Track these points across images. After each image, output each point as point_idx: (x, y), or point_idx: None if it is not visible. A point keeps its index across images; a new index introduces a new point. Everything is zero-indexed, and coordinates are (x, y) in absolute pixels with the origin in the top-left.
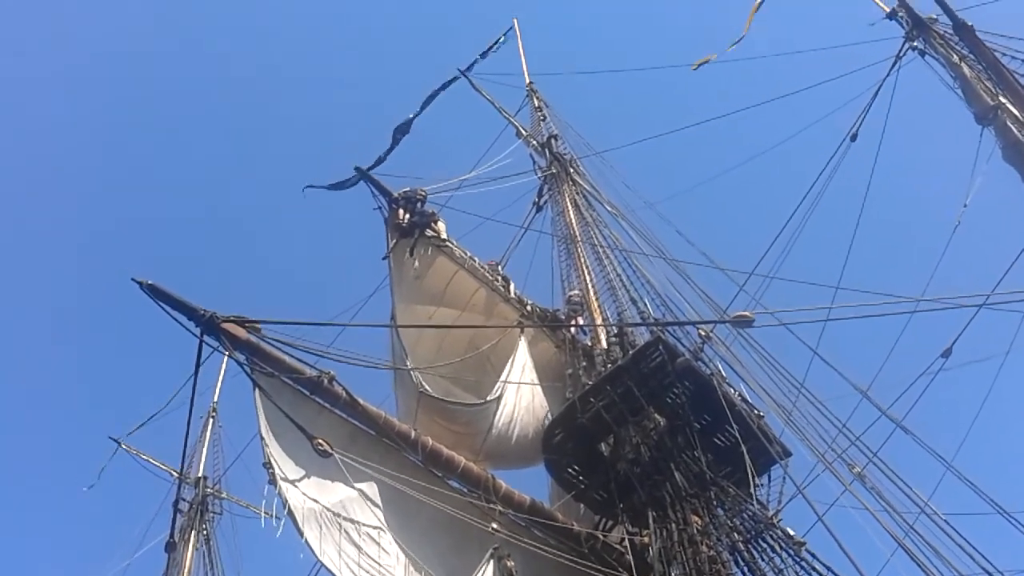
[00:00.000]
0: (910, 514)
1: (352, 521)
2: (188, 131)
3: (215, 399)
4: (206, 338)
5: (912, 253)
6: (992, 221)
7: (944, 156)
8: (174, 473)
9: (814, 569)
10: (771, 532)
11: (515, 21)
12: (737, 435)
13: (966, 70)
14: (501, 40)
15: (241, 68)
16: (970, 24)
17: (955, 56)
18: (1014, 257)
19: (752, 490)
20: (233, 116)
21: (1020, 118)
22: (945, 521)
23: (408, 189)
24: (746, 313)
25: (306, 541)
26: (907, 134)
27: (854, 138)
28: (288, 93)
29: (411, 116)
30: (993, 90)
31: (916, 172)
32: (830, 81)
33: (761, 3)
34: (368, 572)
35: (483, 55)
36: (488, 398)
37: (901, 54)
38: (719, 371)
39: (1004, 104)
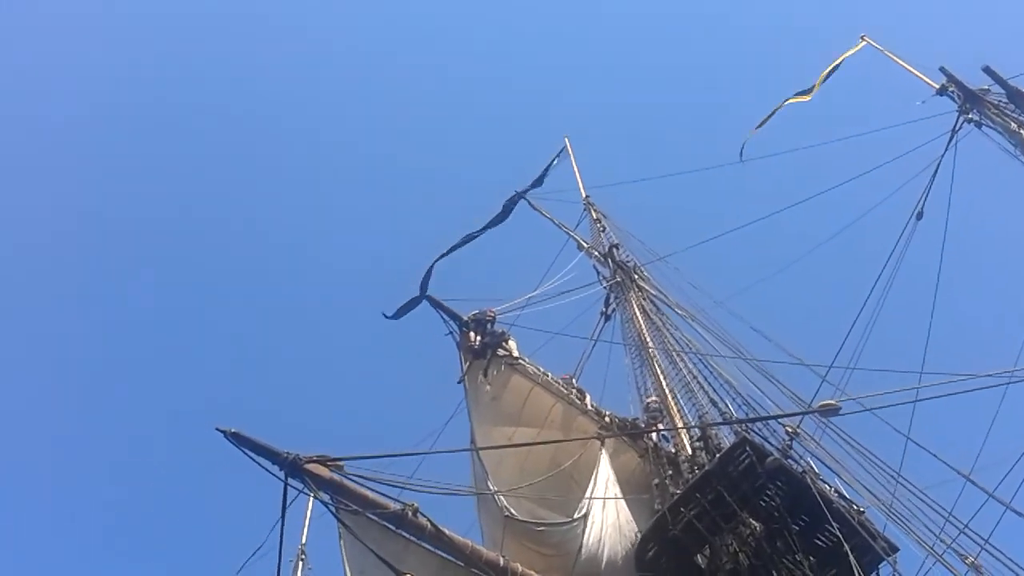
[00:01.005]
0: None
1: None
2: (247, 282)
3: (303, 541)
4: (290, 480)
5: (998, 325)
6: None
7: (1015, 222)
8: None
9: None
10: None
11: (566, 139)
12: (839, 533)
13: None
14: (555, 161)
15: (301, 199)
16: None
17: (1013, 124)
18: None
19: None
20: (295, 260)
21: None
22: None
23: (477, 311)
24: (832, 401)
25: None
26: (972, 208)
27: (920, 216)
28: (347, 222)
29: (474, 233)
30: None
31: (987, 246)
32: (890, 162)
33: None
34: None
35: (540, 178)
36: (575, 516)
37: (957, 128)
38: (812, 468)
39: None
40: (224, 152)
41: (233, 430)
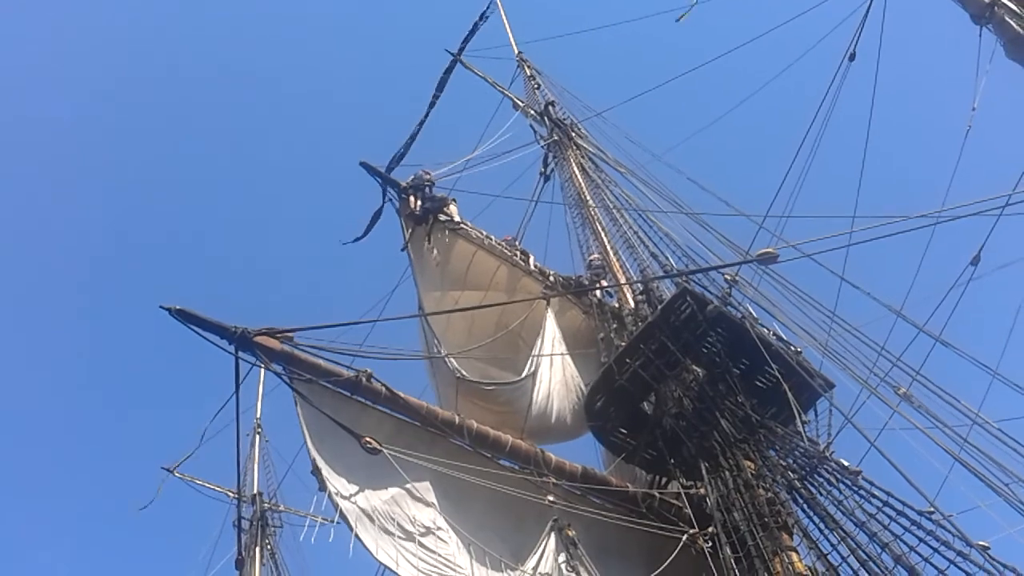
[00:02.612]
0: (962, 427)
1: (407, 515)
2: (188, 143)
3: (258, 415)
4: (241, 354)
5: (926, 167)
6: (1004, 121)
7: (946, 63)
8: (230, 494)
9: (873, 495)
10: (825, 466)
11: None
12: (778, 374)
13: None
14: (485, 15)
15: (237, 70)
16: None
17: None
18: None
19: (800, 427)
20: (233, 121)
21: (1018, 12)
22: (999, 429)
23: (414, 176)
24: (770, 250)
25: (362, 542)
26: (906, 47)
27: (852, 58)
28: (283, 93)
29: (426, 111)
30: None
31: (920, 84)
32: (819, 6)
33: None
34: (428, 563)
35: (470, 34)
36: (524, 374)
37: None
38: (750, 313)
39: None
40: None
41: (178, 307)
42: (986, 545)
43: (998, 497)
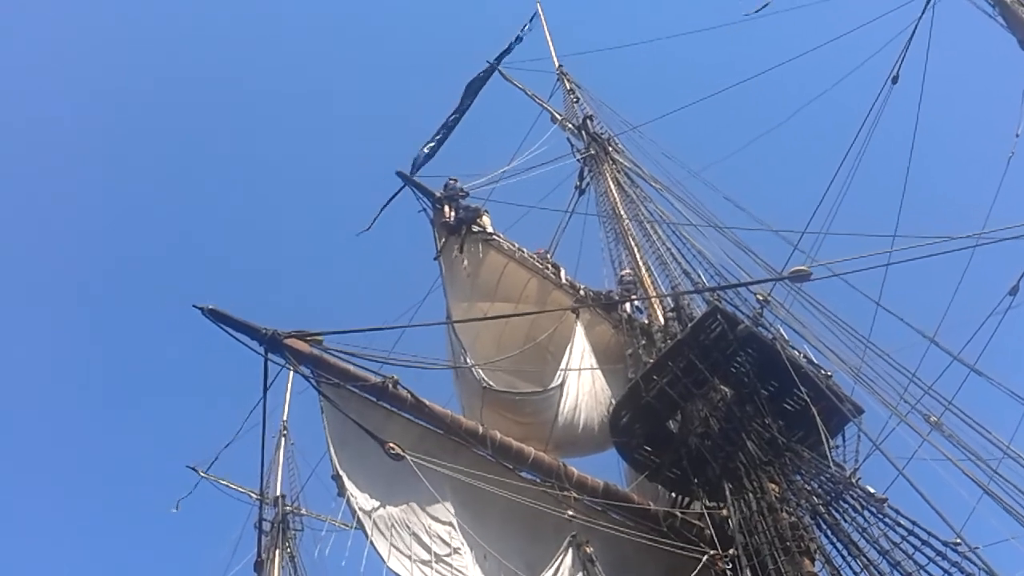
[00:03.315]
0: (992, 459)
1: (423, 524)
2: (226, 153)
3: (285, 417)
4: (271, 356)
5: (967, 192)
6: None
7: (990, 88)
8: (253, 495)
9: (899, 524)
10: (851, 492)
11: (538, 5)
12: (806, 397)
13: None
14: (527, 27)
15: (267, 80)
16: None
17: None
18: None
19: (827, 451)
20: (269, 123)
21: None
22: None
23: (448, 186)
24: (802, 268)
25: (375, 549)
26: (950, 71)
27: (895, 80)
28: (318, 105)
29: (452, 115)
30: None
31: (963, 108)
32: (864, 26)
33: None
34: (439, 572)
35: (511, 45)
36: (551, 386)
37: None
38: (781, 335)
39: None
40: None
41: (211, 307)
42: None
43: None
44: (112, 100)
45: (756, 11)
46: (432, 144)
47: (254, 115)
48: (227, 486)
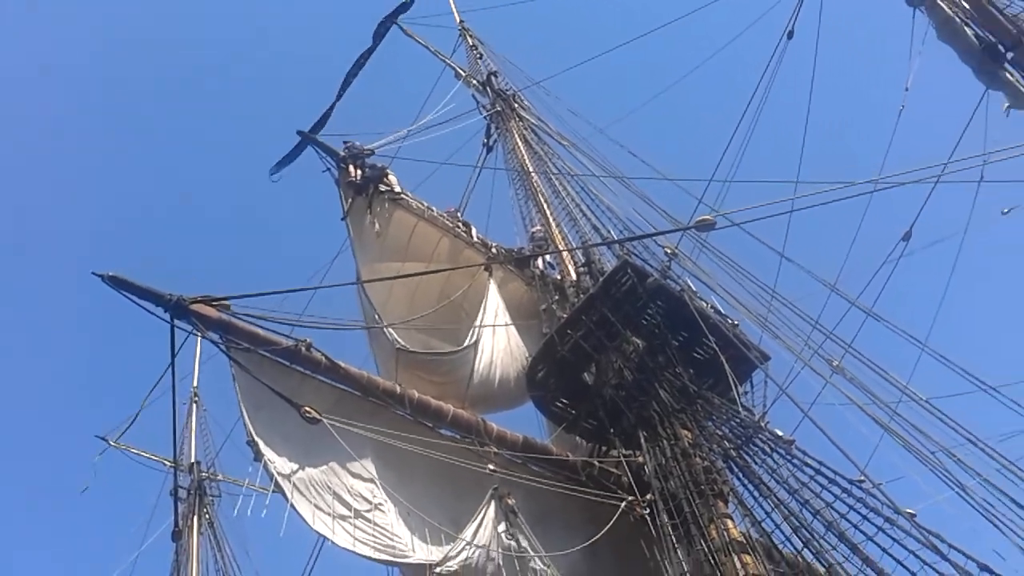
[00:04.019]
0: (892, 400)
1: (345, 484)
2: (125, 116)
3: (194, 384)
4: (177, 322)
5: (862, 144)
6: (935, 100)
7: (881, 44)
8: (167, 463)
9: (806, 464)
10: (760, 435)
11: None
12: (715, 346)
13: None
14: None
15: (165, 43)
16: None
17: None
18: (960, 133)
19: (736, 397)
20: (166, 82)
21: None
22: (927, 402)
23: (351, 144)
24: (707, 217)
25: (297, 512)
26: (842, 27)
27: (791, 35)
28: (219, 67)
29: (352, 71)
30: None
31: (856, 64)
32: None
33: None
34: (365, 532)
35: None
36: (465, 344)
37: None
38: (689, 286)
39: None
40: None
41: (111, 273)
42: (913, 512)
43: (925, 467)
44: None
45: None
46: (333, 103)
47: (156, 75)
48: (139, 454)
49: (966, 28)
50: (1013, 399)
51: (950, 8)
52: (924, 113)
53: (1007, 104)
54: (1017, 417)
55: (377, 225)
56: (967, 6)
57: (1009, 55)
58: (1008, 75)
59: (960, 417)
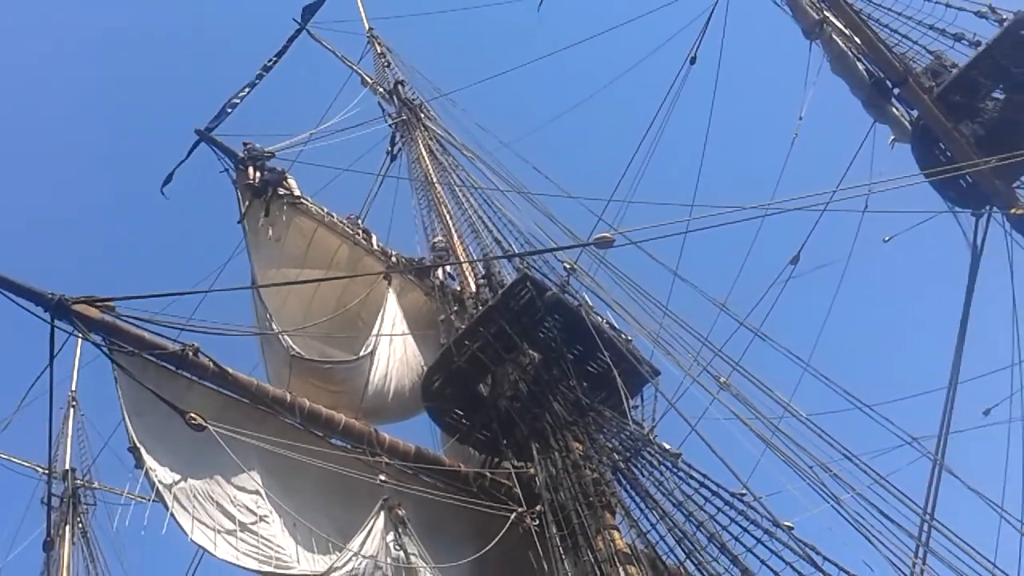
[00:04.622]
0: (775, 417)
1: (228, 495)
2: (14, 106)
3: (73, 388)
4: (58, 322)
5: (757, 169)
6: (826, 132)
7: (779, 73)
8: (40, 469)
9: (691, 477)
10: (648, 449)
11: None
12: (608, 360)
13: None
14: None
15: (67, 31)
16: None
17: None
18: (848, 163)
19: (627, 411)
20: (62, 86)
21: (844, 31)
22: (807, 419)
23: (250, 145)
24: (606, 235)
25: (177, 522)
26: (743, 56)
27: (693, 61)
28: (118, 57)
29: (258, 74)
30: (817, 4)
31: (755, 92)
32: (667, 6)
33: None
34: (248, 544)
35: (318, 4)
36: (361, 353)
37: None
38: (586, 301)
39: (828, 18)
40: None
41: None
42: (791, 525)
43: (804, 481)
44: None
45: None
46: (234, 102)
47: (49, 63)
48: (7, 460)
49: (858, 63)
50: (886, 417)
51: (844, 43)
52: (816, 142)
53: (892, 137)
54: (889, 434)
55: (274, 229)
56: (859, 42)
57: (896, 91)
58: (894, 110)
59: (838, 434)
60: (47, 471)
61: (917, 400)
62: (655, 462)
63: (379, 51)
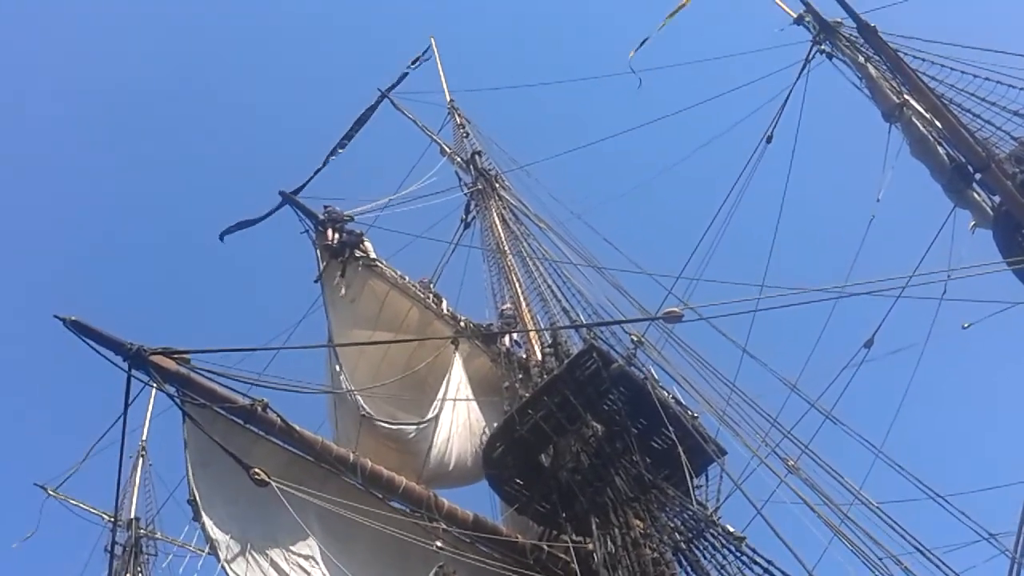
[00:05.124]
0: (844, 503)
1: (284, 552)
2: (103, 161)
3: (144, 437)
4: (134, 372)
5: (831, 252)
6: (904, 215)
7: (856, 154)
8: (106, 517)
9: (755, 563)
10: (711, 530)
11: (432, 39)
12: (673, 437)
13: (872, 70)
14: (420, 58)
15: (158, 96)
16: (873, 25)
17: (861, 57)
18: (927, 247)
19: (691, 490)
20: (152, 146)
21: (924, 115)
22: (878, 507)
23: (330, 207)
24: (675, 309)
25: None
26: (820, 135)
27: (770, 140)
28: (208, 121)
29: (341, 141)
30: (898, 88)
31: (830, 172)
32: (744, 87)
33: (677, 11)
34: None
35: (404, 75)
36: (427, 417)
37: (810, 57)
38: (652, 375)
39: (909, 101)
40: None
41: (73, 318)
42: None
43: (873, 573)
44: None
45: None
46: (318, 167)
47: (136, 116)
48: (78, 506)
49: (938, 147)
50: (962, 510)
51: (925, 127)
52: (893, 225)
53: (973, 223)
54: (965, 529)
55: (349, 289)
56: (940, 126)
57: (977, 176)
58: (975, 195)
59: (910, 526)
60: (113, 519)
61: (995, 495)
62: (718, 544)
63: (459, 122)
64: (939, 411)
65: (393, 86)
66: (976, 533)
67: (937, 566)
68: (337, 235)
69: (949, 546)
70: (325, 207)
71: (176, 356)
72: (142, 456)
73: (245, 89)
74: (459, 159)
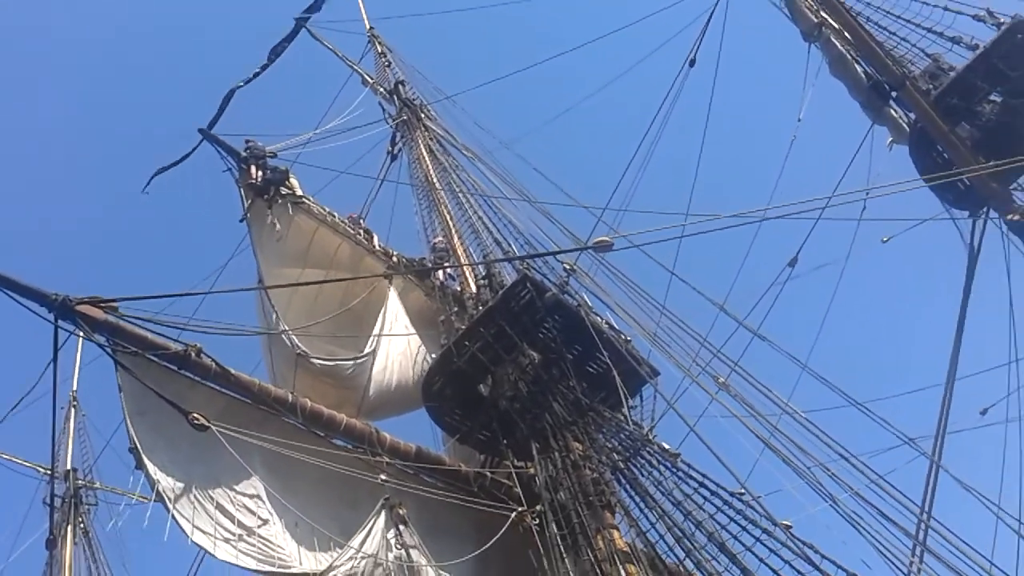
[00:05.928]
0: (773, 416)
1: (230, 495)
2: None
3: (74, 387)
4: (61, 323)
5: (757, 173)
6: (826, 134)
7: (779, 76)
8: (41, 469)
9: (690, 477)
10: (647, 448)
11: None
12: (608, 361)
13: None
14: None
15: (67, 32)
16: None
17: None
18: (847, 164)
19: (626, 411)
20: (67, 85)
21: (842, 33)
22: (805, 417)
23: (253, 144)
24: (605, 238)
25: (177, 523)
26: (742, 57)
27: (692, 63)
28: (118, 57)
29: (255, 72)
30: (815, 7)
31: (754, 95)
32: (667, 8)
33: None
34: (248, 543)
35: (319, 3)
36: (364, 351)
37: None
38: (585, 302)
39: (827, 20)
40: None
41: None
42: (789, 524)
43: (801, 480)
44: None
45: None
46: (232, 96)
47: (49, 62)
48: (10, 460)
49: (856, 65)
50: (883, 417)
51: (843, 45)
52: (815, 144)
53: (891, 139)
54: (887, 434)
55: (278, 227)
56: (858, 45)
57: (894, 94)
58: (893, 112)
59: (836, 434)
60: (49, 471)
61: (915, 401)
62: (654, 462)
63: (380, 51)
64: (862, 325)
65: (309, 14)
66: (897, 438)
67: (862, 471)
68: (261, 172)
69: (873, 451)
70: (247, 142)
71: (103, 304)
72: (74, 407)
73: (157, 21)
74: (382, 89)
